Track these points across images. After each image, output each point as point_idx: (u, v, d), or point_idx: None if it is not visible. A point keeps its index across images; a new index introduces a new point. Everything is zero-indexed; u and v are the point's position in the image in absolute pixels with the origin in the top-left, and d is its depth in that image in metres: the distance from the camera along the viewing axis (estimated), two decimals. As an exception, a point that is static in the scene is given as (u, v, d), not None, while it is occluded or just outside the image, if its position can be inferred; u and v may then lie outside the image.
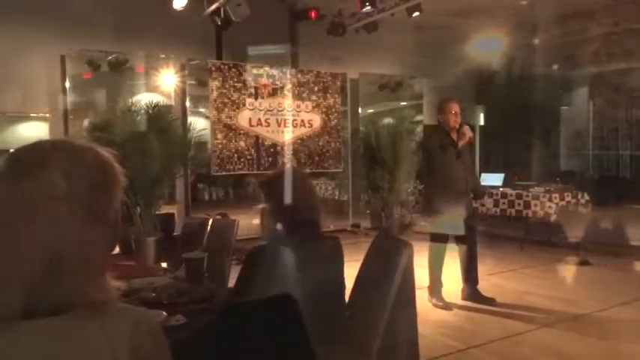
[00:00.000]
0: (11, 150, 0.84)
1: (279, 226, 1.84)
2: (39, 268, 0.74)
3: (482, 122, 10.06)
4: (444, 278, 4.30)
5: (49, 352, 0.74)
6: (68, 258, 0.76)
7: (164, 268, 2.70)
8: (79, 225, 0.78)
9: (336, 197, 8.40)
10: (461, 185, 4.23)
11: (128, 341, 0.76)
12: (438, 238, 4.26)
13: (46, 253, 0.75)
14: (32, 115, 6.26)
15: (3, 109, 6.05)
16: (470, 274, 4.35)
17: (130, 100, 6.17)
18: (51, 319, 0.74)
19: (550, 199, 6.17)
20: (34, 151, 0.82)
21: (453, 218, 4.16)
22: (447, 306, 4.17)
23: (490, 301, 4.25)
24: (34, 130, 6.24)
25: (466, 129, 4.21)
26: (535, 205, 6.26)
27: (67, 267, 0.76)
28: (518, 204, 6.43)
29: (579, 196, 6.26)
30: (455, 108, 4.25)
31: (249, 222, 5.87)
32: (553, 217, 6.14)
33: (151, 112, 6.01)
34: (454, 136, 4.20)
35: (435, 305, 4.20)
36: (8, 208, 0.75)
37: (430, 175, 4.33)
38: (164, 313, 1.79)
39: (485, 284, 4.60)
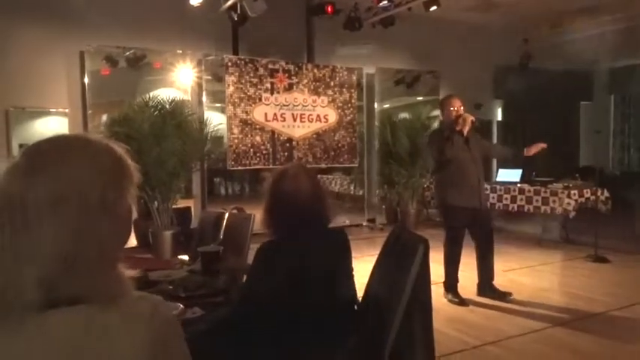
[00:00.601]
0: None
1: (284, 222, 1.86)
2: (56, 260, 0.76)
3: (499, 117, 9.98)
4: (459, 274, 4.28)
5: (69, 342, 0.75)
6: (85, 250, 0.78)
7: (181, 261, 2.72)
8: (93, 219, 0.79)
9: (352, 192, 8.39)
10: (472, 179, 4.17)
11: (146, 328, 0.77)
12: (454, 233, 4.24)
13: (63, 246, 0.76)
14: (52, 110, 6.36)
15: (23, 104, 6.15)
16: (486, 270, 4.31)
17: (147, 96, 6.23)
18: (69, 310, 0.76)
19: (569, 196, 6.08)
20: (50, 146, 0.83)
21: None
22: (463, 302, 4.15)
23: (506, 297, 4.21)
24: (53, 126, 6.34)
25: (467, 115, 4.15)
26: (553, 202, 6.18)
27: (83, 260, 0.77)
28: (537, 200, 6.36)
29: (599, 192, 6.16)
30: (456, 104, 4.21)
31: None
32: (572, 214, 6.06)
33: (168, 107, 6.07)
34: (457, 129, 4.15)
35: (451, 301, 4.18)
36: (25, 202, 0.76)
37: (440, 171, 4.28)
38: (181, 305, 1.81)
39: (502, 280, 4.56)
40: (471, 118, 4.14)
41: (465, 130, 4.12)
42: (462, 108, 4.22)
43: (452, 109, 4.20)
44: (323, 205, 1.89)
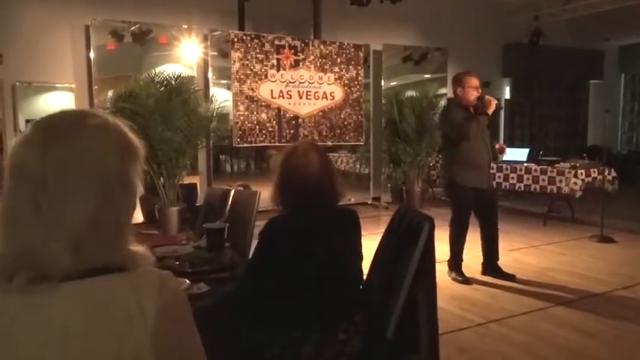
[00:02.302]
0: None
1: (293, 198, 1.85)
2: (81, 231, 0.79)
3: (508, 96, 9.88)
4: (463, 253, 4.29)
5: (84, 311, 0.78)
6: (103, 222, 0.81)
7: (187, 237, 2.74)
8: (108, 192, 0.82)
9: (357, 170, 8.38)
10: (484, 158, 4.16)
11: (155, 300, 0.80)
12: (461, 213, 4.23)
13: (85, 217, 0.79)
14: (58, 85, 6.34)
15: (29, 79, 6.14)
16: (490, 250, 4.32)
17: (153, 71, 6.20)
18: (84, 281, 0.78)
19: (576, 175, 6.05)
20: (63, 121, 0.85)
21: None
22: (467, 280, 4.17)
23: (510, 277, 4.22)
24: (59, 101, 6.33)
25: (490, 97, 4.11)
26: (560, 181, 6.15)
27: (103, 231, 0.81)
28: (543, 180, 6.33)
29: (606, 172, 6.12)
30: (475, 83, 4.15)
31: (270, 194, 5.91)
32: (578, 194, 6.04)
33: (173, 83, 6.04)
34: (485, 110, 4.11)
35: (454, 279, 4.20)
36: (45, 176, 0.78)
37: (450, 149, 4.21)
38: (187, 281, 1.83)
39: (507, 260, 4.57)
40: (495, 100, 4.12)
41: (490, 112, 4.09)
42: (479, 88, 4.17)
43: (472, 86, 4.12)
44: (333, 182, 1.89)
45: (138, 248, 0.86)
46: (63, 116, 0.86)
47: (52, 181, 0.78)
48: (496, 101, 4.13)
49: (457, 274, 4.22)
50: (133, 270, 0.82)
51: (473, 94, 4.12)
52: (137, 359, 0.77)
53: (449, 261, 4.29)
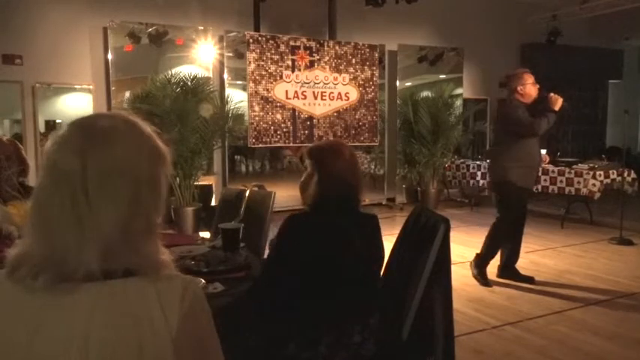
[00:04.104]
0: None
1: (320, 195, 1.83)
2: (114, 233, 0.80)
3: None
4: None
5: (106, 311, 0.79)
6: (136, 223, 0.83)
7: (202, 238, 2.76)
8: (143, 193, 0.84)
9: (372, 171, 8.36)
10: (537, 159, 4.14)
11: (178, 305, 0.80)
12: (511, 212, 4.09)
13: (120, 218, 0.81)
14: (76, 86, 6.43)
15: (49, 80, 6.23)
16: (512, 253, 4.22)
17: (169, 73, 6.26)
18: (108, 282, 0.79)
19: (594, 177, 5.97)
20: (101, 124, 0.86)
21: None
22: (487, 283, 4.09)
23: (529, 280, 4.16)
24: (78, 102, 6.41)
25: (554, 95, 4.03)
26: (578, 183, 6.07)
27: (135, 232, 0.82)
28: (561, 181, 6.26)
29: (625, 173, 6.02)
30: (532, 78, 4.08)
31: (285, 194, 5.95)
32: (597, 195, 5.95)
33: (189, 84, 6.09)
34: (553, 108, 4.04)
35: (475, 277, 4.13)
36: (84, 178, 0.80)
37: (508, 147, 4.07)
38: (202, 280, 1.84)
39: (524, 262, 4.52)
40: (560, 98, 4.05)
41: (557, 108, 4.03)
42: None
43: (531, 83, 4.04)
44: (361, 184, 1.89)
45: (163, 254, 0.87)
46: (100, 120, 0.87)
47: (92, 186, 0.80)
48: (561, 98, 4.04)
49: (480, 274, 4.12)
50: (156, 274, 0.83)
51: (534, 90, 4.08)
52: None
53: (478, 258, 4.19)
